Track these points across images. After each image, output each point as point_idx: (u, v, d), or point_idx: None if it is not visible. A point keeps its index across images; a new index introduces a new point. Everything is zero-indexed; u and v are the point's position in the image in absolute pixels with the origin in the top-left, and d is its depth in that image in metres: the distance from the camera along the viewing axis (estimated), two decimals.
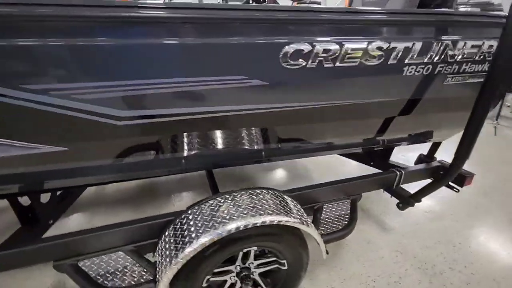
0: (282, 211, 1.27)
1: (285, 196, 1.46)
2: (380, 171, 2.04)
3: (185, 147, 1.32)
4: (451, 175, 1.61)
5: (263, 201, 1.30)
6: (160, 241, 1.33)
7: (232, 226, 1.14)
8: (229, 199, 1.30)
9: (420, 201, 1.85)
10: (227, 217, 1.19)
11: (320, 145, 1.68)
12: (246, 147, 1.50)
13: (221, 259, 1.27)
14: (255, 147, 1.52)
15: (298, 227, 1.29)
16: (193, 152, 1.38)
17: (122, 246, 1.35)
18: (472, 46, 1.35)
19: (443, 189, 2.01)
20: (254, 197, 1.32)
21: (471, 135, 1.41)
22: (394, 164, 2.08)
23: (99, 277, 1.25)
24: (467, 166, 3.17)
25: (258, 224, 1.17)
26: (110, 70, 0.97)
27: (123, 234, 1.34)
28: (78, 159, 1.14)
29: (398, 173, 1.85)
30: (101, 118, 1.02)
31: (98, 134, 1.06)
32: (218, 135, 1.42)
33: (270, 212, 1.23)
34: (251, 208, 1.24)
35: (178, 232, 1.24)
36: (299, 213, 1.38)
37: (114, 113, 1.03)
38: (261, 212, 1.22)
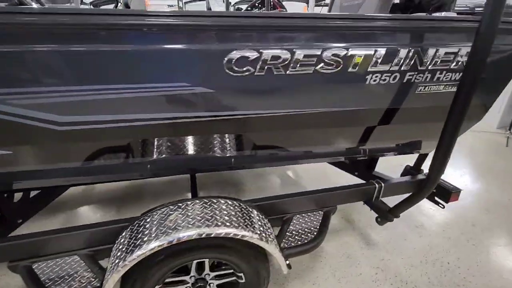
0: (235, 223, 1.23)
1: (246, 206, 1.41)
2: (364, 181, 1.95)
3: (139, 152, 1.30)
4: (427, 190, 1.50)
5: (216, 211, 1.26)
6: (114, 247, 1.32)
7: (174, 237, 1.11)
8: (181, 207, 1.27)
9: (398, 216, 1.74)
10: (173, 226, 1.16)
11: (293, 153, 1.62)
12: (211, 154, 1.47)
13: (169, 269, 1.24)
14: (222, 154, 1.48)
15: (251, 241, 1.23)
16: (149, 158, 1.36)
17: (78, 250, 1.35)
18: (446, 53, 1.25)
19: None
20: (206, 206, 1.28)
21: (445, 148, 1.30)
22: (377, 175, 1.97)
23: (48, 281, 1.25)
24: (470, 179, 3.03)
25: (203, 236, 1.13)
26: (47, 75, 0.96)
27: (80, 237, 1.34)
28: (25, 162, 1.15)
29: (377, 185, 1.75)
30: (40, 123, 1.02)
31: (40, 139, 1.06)
32: (182, 140, 1.40)
33: (219, 224, 1.19)
34: (200, 218, 1.20)
35: (126, 240, 1.23)
36: (259, 225, 1.33)
37: (53, 119, 1.03)
38: (209, 223, 1.18)
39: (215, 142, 1.45)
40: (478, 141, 3.99)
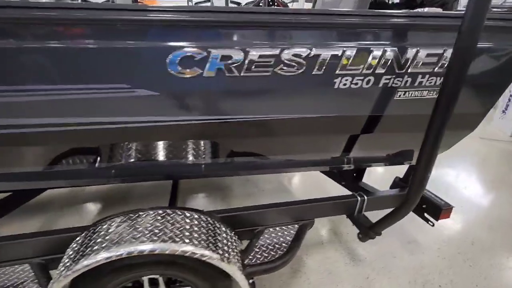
0: (186, 238, 1.12)
1: (207, 218, 1.30)
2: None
3: (87, 158, 1.22)
4: (408, 206, 1.35)
5: (168, 224, 1.16)
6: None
7: (112, 253, 1.01)
8: (132, 218, 1.18)
9: (380, 234, 1.59)
10: (115, 240, 1.07)
11: (266, 161, 1.50)
12: (177, 161, 1.38)
13: (117, 285, 1.15)
14: (187, 161, 1.39)
15: (203, 259, 1.12)
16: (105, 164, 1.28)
17: (30, 258, 1.28)
18: (429, 55, 1.11)
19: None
20: (159, 219, 1.18)
21: (426, 160, 1.16)
22: (363, 187, 1.83)
23: None
24: (475, 192, 2.80)
25: (145, 252, 1.03)
26: None
27: (33, 245, 1.28)
28: None
29: (359, 198, 1.61)
30: None
31: None
32: (147, 146, 1.32)
33: (166, 239, 1.08)
34: (147, 232, 1.10)
35: (72, 252, 1.15)
36: (218, 240, 1.22)
37: None
38: (155, 238, 1.08)
39: (183, 147, 1.36)
40: (489, 150, 3.73)
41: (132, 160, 1.34)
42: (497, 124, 4.26)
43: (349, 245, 2.10)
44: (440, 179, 2.99)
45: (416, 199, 1.29)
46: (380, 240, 2.10)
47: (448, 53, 1.11)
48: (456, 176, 3.10)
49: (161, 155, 1.37)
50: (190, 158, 1.40)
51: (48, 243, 1.30)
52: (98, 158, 1.27)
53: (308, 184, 3.00)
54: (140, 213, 1.21)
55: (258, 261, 1.38)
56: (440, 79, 1.17)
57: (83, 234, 1.19)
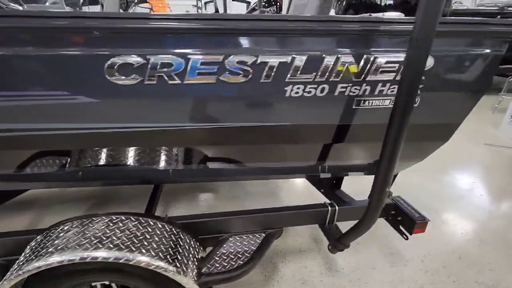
0: (134, 245, 1.11)
1: (164, 225, 1.28)
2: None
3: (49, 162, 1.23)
4: (370, 218, 1.28)
5: (117, 231, 1.15)
6: None
7: (53, 260, 1.01)
8: (84, 224, 1.18)
9: (348, 246, 1.52)
10: (60, 246, 1.07)
11: (225, 169, 1.47)
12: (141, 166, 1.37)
13: None
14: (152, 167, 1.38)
15: (150, 268, 1.11)
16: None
17: None
18: (388, 62, 1.04)
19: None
20: (111, 225, 1.17)
21: (384, 172, 1.10)
22: (339, 196, 1.76)
23: None
24: (472, 202, 2.66)
25: (87, 260, 1.03)
26: None
27: None
28: None
29: (330, 208, 1.55)
30: None
31: None
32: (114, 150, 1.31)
33: (111, 246, 1.07)
34: (94, 239, 1.09)
35: (23, 256, 1.15)
36: (172, 248, 1.20)
37: None
38: (100, 246, 1.07)
39: (149, 153, 1.35)
40: (495, 157, 3.54)
41: (98, 164, 1.34)
42: (505, 129, 4.04)
43: (328, 254, 2.04)
44: (437, 187, 2.86)
45: (377, 212, 1.22)
46: (362, 249, 2.04)
47: None
48: (454, 184, 2.96)
49: (127, 160, 1.36)
50: (160, 163, 1.39)
51: (10, 244, 1.32)
52: (51, 163, 1.28)
53: (296, 188, 2.94)
54: (94, 218, 1.21)
55: (217, 270, 1.35)
56: None
57: (36, 238, 1.20)
